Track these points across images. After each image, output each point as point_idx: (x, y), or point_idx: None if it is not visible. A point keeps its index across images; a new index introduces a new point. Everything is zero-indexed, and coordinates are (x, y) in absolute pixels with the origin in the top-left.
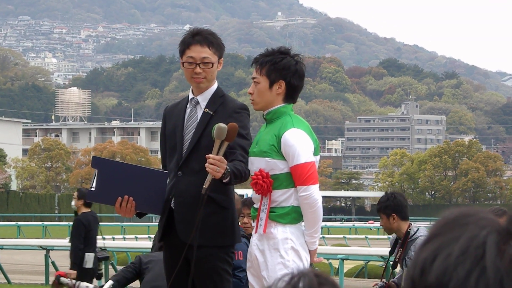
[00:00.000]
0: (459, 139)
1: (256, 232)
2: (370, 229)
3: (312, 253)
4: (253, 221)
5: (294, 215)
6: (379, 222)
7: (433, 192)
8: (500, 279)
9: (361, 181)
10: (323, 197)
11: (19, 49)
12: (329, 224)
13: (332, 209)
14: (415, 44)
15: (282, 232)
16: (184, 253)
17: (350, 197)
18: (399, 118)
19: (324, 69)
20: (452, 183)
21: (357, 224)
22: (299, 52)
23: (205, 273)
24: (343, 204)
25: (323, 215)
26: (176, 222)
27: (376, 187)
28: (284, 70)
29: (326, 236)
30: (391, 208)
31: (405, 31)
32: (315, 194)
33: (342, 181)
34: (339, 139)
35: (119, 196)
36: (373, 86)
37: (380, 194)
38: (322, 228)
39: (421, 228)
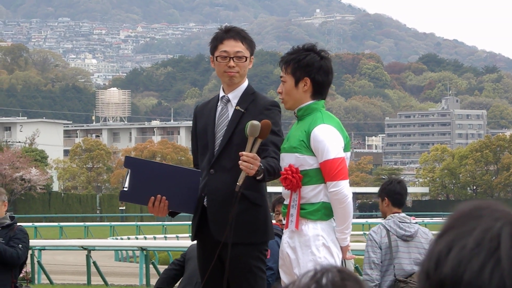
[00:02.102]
0: (500, 134)
1: (287, 228)
2: None
3: (343, 249)
4: (283, 218)
5: (324, 211)
6: (419, 219)
7: (474, 187)
8: None
9: (402, 177)
10: (364, 193)
11: (59, 51)
12: (370, 220)
13: (373, 206)
14: (455, 39)
15: (313, 229)
16: (218, 252)
17: None
18: (440, 113)
19: (363, 65)
20: (494, 177)
21: None
22: (337, 49)
23: (238, 271)
24: None
25: (365, 211)
26: (209, 221)
27: (417, 183)
28: (308, 67)
29: (367, 232)
30: (386, 192)
31: (444, 26)
32: (344, 189)
33: (383, 177)
34: (379, 135)
35: (151, 196)
36: (413, 82)
37: (422, 190)
38: (362, 225)
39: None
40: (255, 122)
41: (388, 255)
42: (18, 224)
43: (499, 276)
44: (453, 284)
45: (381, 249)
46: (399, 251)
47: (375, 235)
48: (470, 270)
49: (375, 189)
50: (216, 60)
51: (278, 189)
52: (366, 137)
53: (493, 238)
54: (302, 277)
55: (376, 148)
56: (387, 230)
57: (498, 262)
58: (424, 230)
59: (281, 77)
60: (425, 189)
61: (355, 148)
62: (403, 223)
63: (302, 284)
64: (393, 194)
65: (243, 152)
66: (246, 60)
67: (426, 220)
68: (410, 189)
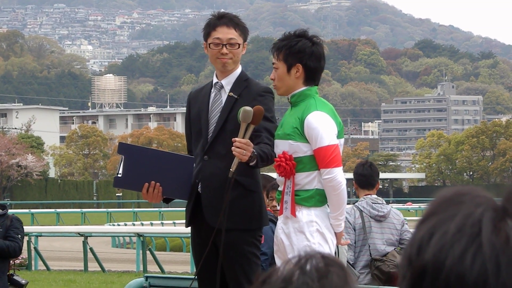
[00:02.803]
0: (496, 119)
1: (281, 214)
2: (408, 210)
3: (338, 235)
4: (278, 204)
5: (318, 198)
6: (416, 204)
7: (471, 173)
8: (496, 256)
9: (399, 163)
10: None
11: (55, 37)
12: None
13: None
14: (451, 25)
15: (307, 215)
16: (212, 238)
17: (388, 179)
18: (436, 99)
19: (359, 51)
20: (490, 163)
21: (394, 206)
22: (333, 35)
23: (233, 257)
24: (380, 186)
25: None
26: (203, 207)
27: (413, 168)
28: (299, 53)
29: None
30: (353, 175)
31: (440, 12)
32: (338, 176)
33: (379, 163)
34: (375, 121)
35: (145, 182)
36: (409, 68)
37: (418, 175)
38: None
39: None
40: (248, 108)
41: (362, 235)
42: (12, 211)
43: (480, 261)
44: (435, 270)
45: (355, 230)
46: (372, 231)
47: (349, 216)
48: (452, 256)
49: None
50: (209, 47)
51: (274, 175)
52: (362, 123)
53: (474, 224)
54: (286, 264)
55: (372, 134)
56: (360, 211)
57: (480, 248)
58: (396, 211)
59: (273, 63)
60: (422, 175)
61: (351, 134)
62: (375, 204)
63: (286, 270)
64: (357, 176)
65: (236, 138)
66: (239, 47)
67: (423, 206)
68: (406, 175)
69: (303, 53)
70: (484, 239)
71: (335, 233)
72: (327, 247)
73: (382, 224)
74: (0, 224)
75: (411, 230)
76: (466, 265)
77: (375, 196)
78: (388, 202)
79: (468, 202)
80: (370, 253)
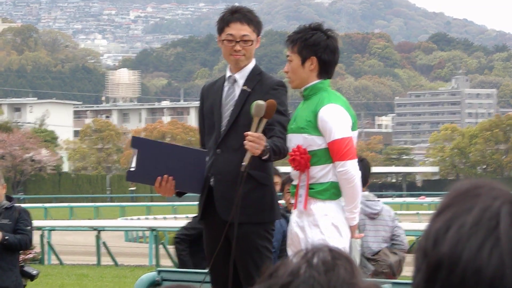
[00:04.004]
0: (510, 113)
1: (295, 208)
2: (422, 204)
3: (352, 228)
4: (292, 198)
5: (333, 191)
6: (429, 198)
7: (484, 166)
8: None
9: (412, 157)
10: (374, 173)
11: (69, 31)
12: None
13: (383, 185)
14: (465, 18)
15: (321, 208)
16: (225, 232)
17: (401, 172)
18: (450, 92)
19: (373, 45)
20: (504, 156)
21: (408, 200)
22: (347, 28)
23: (245, 250)
24: (394, 180)
25: (374, 191)
26: (216, 200)
27: (427, 162)
28: (314, 46)
29: None
30: None
31: (454, 5)
32: (352, 169)
33: (393, 157)
34: (389, 114)
35: (158, 176)
36: (422, 61)
37: (431, 169)
38: None
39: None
40: (260, 102)
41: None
42: (26, 205)
43: (498, 255)
44: (452, 263)
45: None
46: (366, 229)
47: None
48: (469, 249)
49: (385, 169)
50: (223, 43)
51: (287, 169)
52: (376, 116)
53: (492, 217)
54: (293, 257)
55: (386, 128)
56: None
57: (497, 241)
58: (387, 208)
59: (287, 56)
60: (435, 169)
61: (364, 128)
62: (368, 201)
63: (294, 263)
64: None
65: (249, 132)
66: (252, 44)
67: (437, 199)
68: (420, 169)
69: (317, 46)
70: (502, 233)
71: (350, 226)
72: (342, 240)
73: (375, 222)
74: (8, 216)
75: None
76: (483, 259)
77: (367, 193)
78: (401, 196)
79: (485, 195)
80: (363, 252)
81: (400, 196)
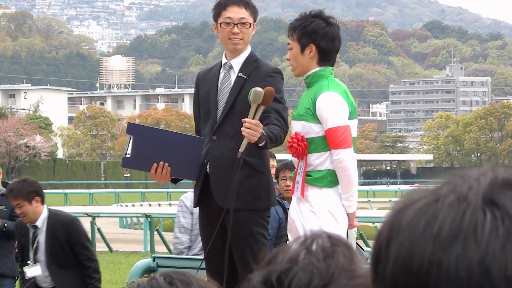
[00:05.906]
0: (504, 101)
1: (292, 194)
2: None
3: (350, 216)
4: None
5: (330, 179)
6: (424, 186)
7: (479, 154)
8: None
9: (406, 144)
10: (369, 160)
11: (63, 18)
12: (374, 187)
13: (377, 173)
14: (459, 6)
15: (318, 195)
16: (221, 218)
17: (396, 160)
18: (444, 80)
19: (367, 32)
20: (498, 144)
21: (402, 187)
22: (341, 16)
23: (241, 237)
24: (388, 168)
25: (369, 178)
26: (212, 187)
27: (421, 150)
28: (313, 33)
29: (372, 199)
30: None
31: None
32: (348, 158)
33: (387, 144)
34: (383, 102)
35: (154, 162)
36: (417, 49)
37: (426, 157)
38: (367, 192)
39: None
40: (259, 89)
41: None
42: None
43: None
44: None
45: (192, 214)
46: None
47: (187, 201)
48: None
49: (380, 156)
50: (220, 26)
51: (282, 156)
52: (371, 104)
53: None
54: (292, 243)
55: (380, 116)
56: None
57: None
58: None
59: (288, 44)
60: (430, 156)
61: (359, 116)
62: None
63: (293, 250)
64: None
65: (246, 119)
66: (250, 27)
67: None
68: (414, 156)
69: (316, 34)
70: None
71: (347, 214)
72: (338, 227)
73: None
74: (4, 203)
75: None
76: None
77: None
78: (395, 184)
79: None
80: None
81: (395, 183)
